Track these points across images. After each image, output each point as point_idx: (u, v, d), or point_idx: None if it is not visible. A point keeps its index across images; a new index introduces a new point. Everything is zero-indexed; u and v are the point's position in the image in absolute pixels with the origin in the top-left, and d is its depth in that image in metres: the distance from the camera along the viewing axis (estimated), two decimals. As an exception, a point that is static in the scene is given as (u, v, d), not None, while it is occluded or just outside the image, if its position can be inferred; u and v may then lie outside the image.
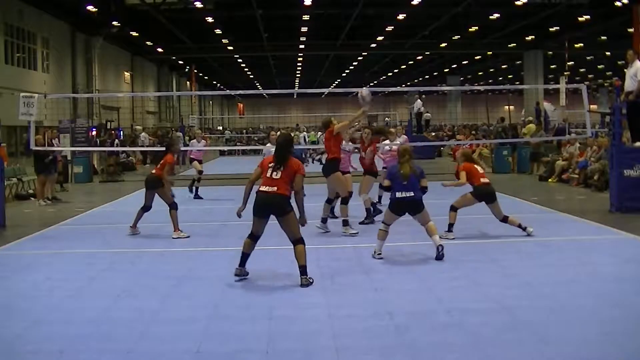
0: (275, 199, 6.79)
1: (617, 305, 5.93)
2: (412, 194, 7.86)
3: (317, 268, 7.63)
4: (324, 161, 10.94)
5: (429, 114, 32.24)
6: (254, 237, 7.03)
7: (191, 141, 17.54)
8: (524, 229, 9.32)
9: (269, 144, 13.36)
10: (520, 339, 5.08)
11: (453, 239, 9.14)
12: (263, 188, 6.88)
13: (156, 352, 4.94)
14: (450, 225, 9.41)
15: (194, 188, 14.95)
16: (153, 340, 5.22)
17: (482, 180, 9.44)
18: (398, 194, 7.90)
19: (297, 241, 6.86)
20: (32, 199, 15.47)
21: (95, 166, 22.44)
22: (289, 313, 5.85)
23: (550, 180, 17.60)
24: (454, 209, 9.49)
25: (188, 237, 9.80)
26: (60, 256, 8.76)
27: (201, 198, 14.67)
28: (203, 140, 16.84)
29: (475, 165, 9.66)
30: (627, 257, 8.02)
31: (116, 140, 26.44)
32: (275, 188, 6.80)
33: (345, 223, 9.71)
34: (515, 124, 26.06)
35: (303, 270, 6.81)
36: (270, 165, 6.94)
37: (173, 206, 9.96)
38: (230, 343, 5.09)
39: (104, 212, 13.57)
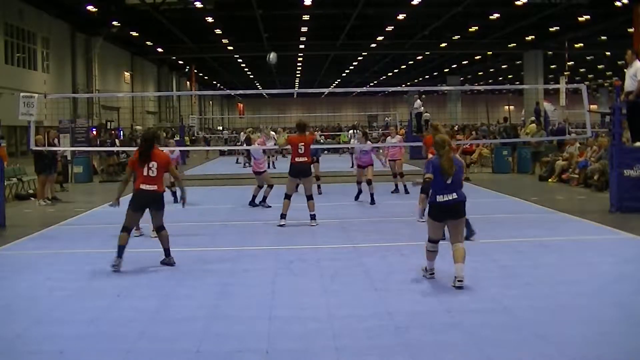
0: (155, 196, 7.67)
1: (617, 305, 5.94)
2: (456, 196, 6.64)
3: (317, 268, 7.64)
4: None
5: (428, 114, 32.21)
6: (128, 231, 7.74)
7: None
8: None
9: (254, 145, 13.89)
10: (520, 339, 5.08)
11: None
12: (143, 186, 7.62)
13: (156, 352, 4.94)
14: None
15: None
16: (153, 340, 5.22)
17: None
18: (439, 198, 6.62)
19: (162, 228, 7.82)
20: (32, 199, 15.46)
21: (95, 166, 22.43)
22: (289, 313, 5.85)
23: (550, 180, 17.60)
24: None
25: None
26: (60, 256, 8.76)
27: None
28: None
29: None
30: (627, 257, 8.02)
31: (116, 140, 26.43)
32: (155, 187, 7.64)
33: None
34: (515, 125, 26.04)
35: (168, 252, 7.82)
36: (140, 164, 7.64)
37: None
38: (230, 343, 5.09)
39: (104, 212, 13.52)
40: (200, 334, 5.29)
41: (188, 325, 5.54)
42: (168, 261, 7.81)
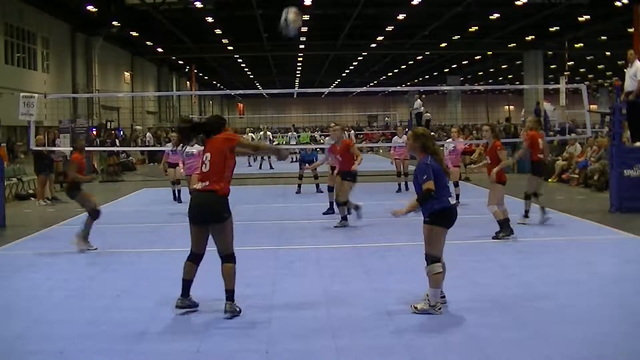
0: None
1: (616, 305, 5.94)
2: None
3: (317, 268, 7.64)
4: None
5: (428, 114, 32.22)
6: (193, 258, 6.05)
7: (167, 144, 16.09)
8: None
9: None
10: (520, 339, 5.08)
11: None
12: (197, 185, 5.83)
13: (156, 352, 4.94)
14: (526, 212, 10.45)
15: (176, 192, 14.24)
16: (153, 340, 5.22)
17: None
18: (452, 200, 5.87)
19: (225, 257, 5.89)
20: (32, 199, 15.46)
21: (95, 166, 22.43)
22: (289, 313, 5.85)
23: (550, 180, 17.59)
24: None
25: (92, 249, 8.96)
26: (60, 256, 8.75)
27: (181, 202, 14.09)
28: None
29: None
30: (627, 257, 8.02)
31: (116, 140, 26.43)
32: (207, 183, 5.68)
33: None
34: (515, 125, 26.03)
35: (229, 295, 5.72)
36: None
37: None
38: (230, 343, 5.09)
39: (104, 212, 13.46)
40: (199, 334, 5.29)
41: (188, 325, 5.54)
42: (231, 310, 5.62)
